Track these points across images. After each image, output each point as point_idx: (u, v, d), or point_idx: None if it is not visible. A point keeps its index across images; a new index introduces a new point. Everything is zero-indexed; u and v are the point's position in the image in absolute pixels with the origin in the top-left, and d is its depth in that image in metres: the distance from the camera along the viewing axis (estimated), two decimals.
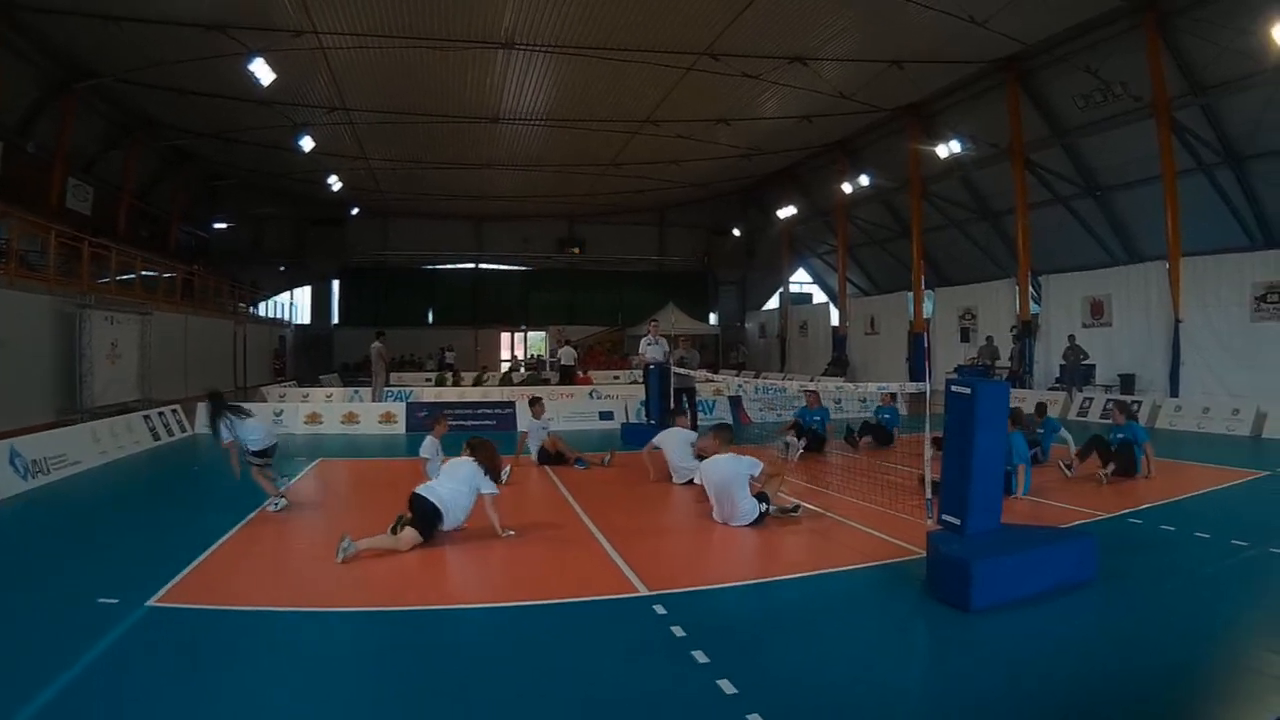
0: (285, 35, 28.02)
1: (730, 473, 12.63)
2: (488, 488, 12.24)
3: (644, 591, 9.56)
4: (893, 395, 22.73)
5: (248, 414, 15.16)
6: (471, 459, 12.40)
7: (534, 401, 20.93)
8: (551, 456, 19.55)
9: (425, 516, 11.77)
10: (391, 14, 27.31)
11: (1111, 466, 15.76)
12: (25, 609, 9.65)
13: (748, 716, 6.33)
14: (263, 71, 28.63)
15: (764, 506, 12.55)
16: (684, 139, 38.39)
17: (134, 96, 35.94)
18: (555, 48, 29.42)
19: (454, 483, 12.16)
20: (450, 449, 16.09)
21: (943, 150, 33.72)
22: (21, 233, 26.39)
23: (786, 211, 48.82)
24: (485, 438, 13.15)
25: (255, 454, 14.97)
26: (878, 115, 36.98)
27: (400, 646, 8.30)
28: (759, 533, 12.25)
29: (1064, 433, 18.34)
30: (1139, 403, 26.27)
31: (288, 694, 7.16)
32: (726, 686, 6.85)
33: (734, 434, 14.02)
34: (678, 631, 8.19)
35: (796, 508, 13.20)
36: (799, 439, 20.47)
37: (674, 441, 16.49)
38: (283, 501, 14.84)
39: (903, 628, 8.75)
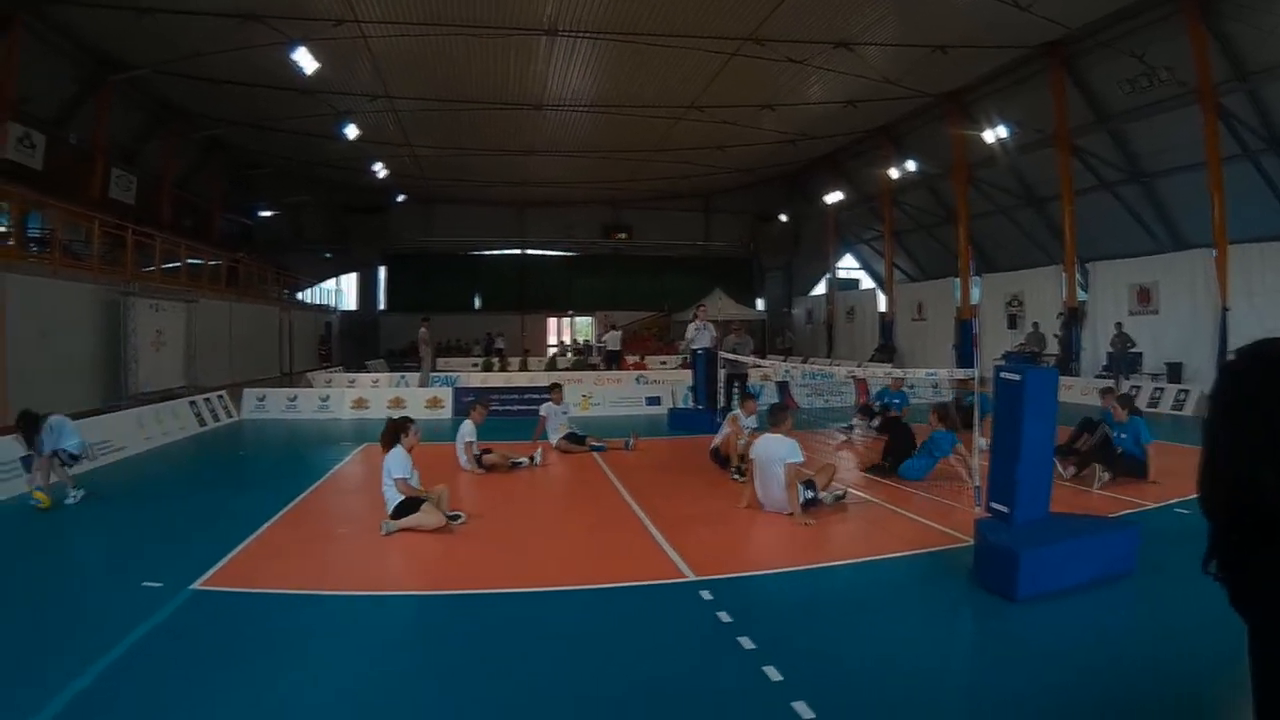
0: (325, 24, 28.08)
1: (771, 453, 12.65)
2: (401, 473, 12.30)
3: (690, 577, 9.58)
4: (900, 380, 22.41)
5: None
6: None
7: (553, 387, 20.94)
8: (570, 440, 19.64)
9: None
10: (432, 1, 27.26)
11: (1107, 475, 14.77)
12: (71, 592, 9.79)
13: (793, 704, 6.33)
14: (305, 60, 28.77)
15: (810, 493, 12.51)
16: (729, 124, 38.20)
17: (170, 87, 36.07)
18: (598, 33, 29.29)
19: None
20: (487, 434, 16.16)
21: (988, 136, 33.47)
22: (65, 223, 26.59)
23: (832, 197, 48.50)
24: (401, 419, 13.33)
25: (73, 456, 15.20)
26: (922, 101, 36.71)
27: (444, 631, 8.37)
28: (805, 520, 12.12)
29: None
30: (1170, 392, 26.37)
31: (329, 677, 7.23)
32: (772, 673, 6.85)
33: (791, 418, 13.87)
34: (724, 617, 8.18)
35: (843, 494, 13.19)
36: (870, 420, 20.44)
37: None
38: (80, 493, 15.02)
39: (948, 616, 8.71)
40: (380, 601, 9.25)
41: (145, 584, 9.65)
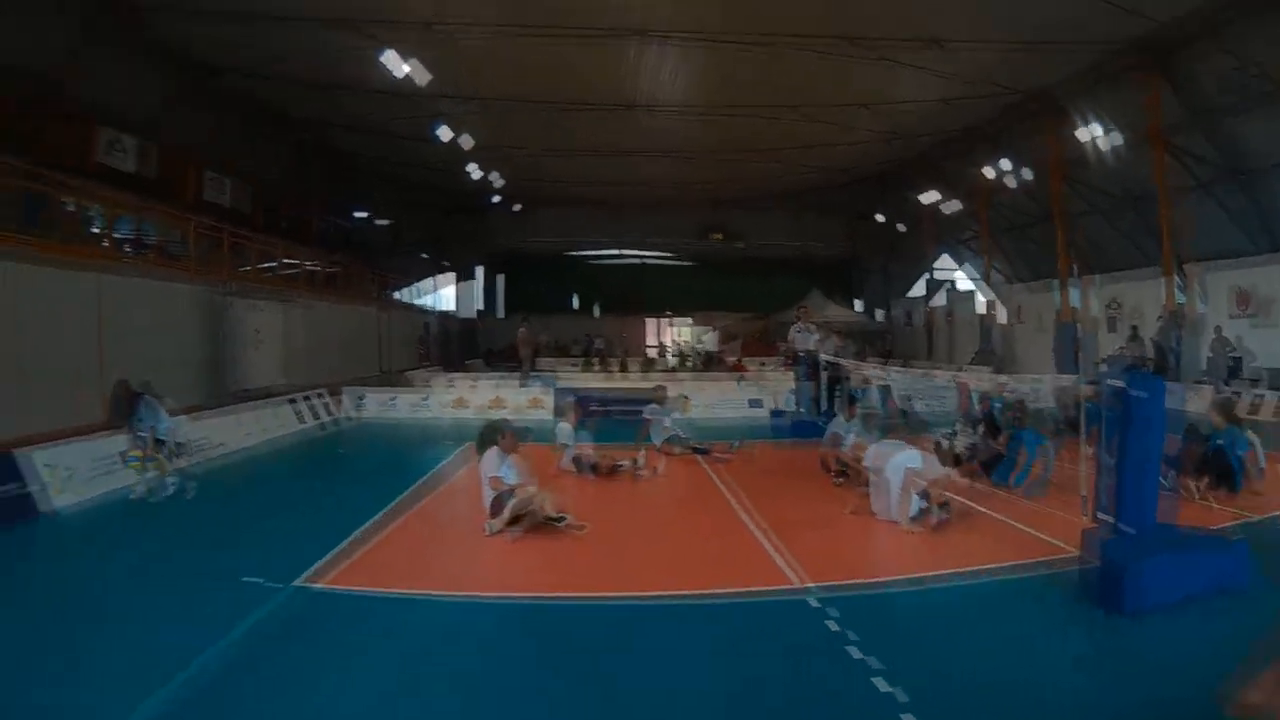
0: (416, 27, 28.16)
1: (890, 459, 12.56)
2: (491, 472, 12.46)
3: (798, 583, 9.59)
4: (1003, 384, 22.01)
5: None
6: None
7: (658, 389, 21.09)
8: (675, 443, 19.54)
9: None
10: (521, 4, 27.31)
11: (1205, 480, 14.42)
12: (172, 586, 10.08)
13: (901, 716, 6.30)
14: (396, 64, 28.86)
15: (922, 503, 12.33)
16: (825, 124, 37.90)
17: (265, 91, 36.45)
18: (689, 34, 29.08)
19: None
20: (589, 437, 16.22)
21: (1082, 134, 32.99)
22: (160, 225, 27.22)
23: (929, 197, 47.77)
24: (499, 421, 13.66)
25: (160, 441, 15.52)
26: (1014, 98, 36.16)
27: (545, 637, 8.44)
28: (916, 528, 12.05)
29: (1250, 435, 16.10)
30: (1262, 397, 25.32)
31: (426, 680, 7.35)
32: (881, 684, 6.85)
33: (906, 423, 13.77)
34: (833, 625, 8.20)
35: (946, 504, 12.89)
36: (975, 427, 20.26)
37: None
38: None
39: (1055, 628, 8.60)
40: (481, 604, 9.34)
41: (246, 579, 9.89)
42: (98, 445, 16.38)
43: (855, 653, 7.45)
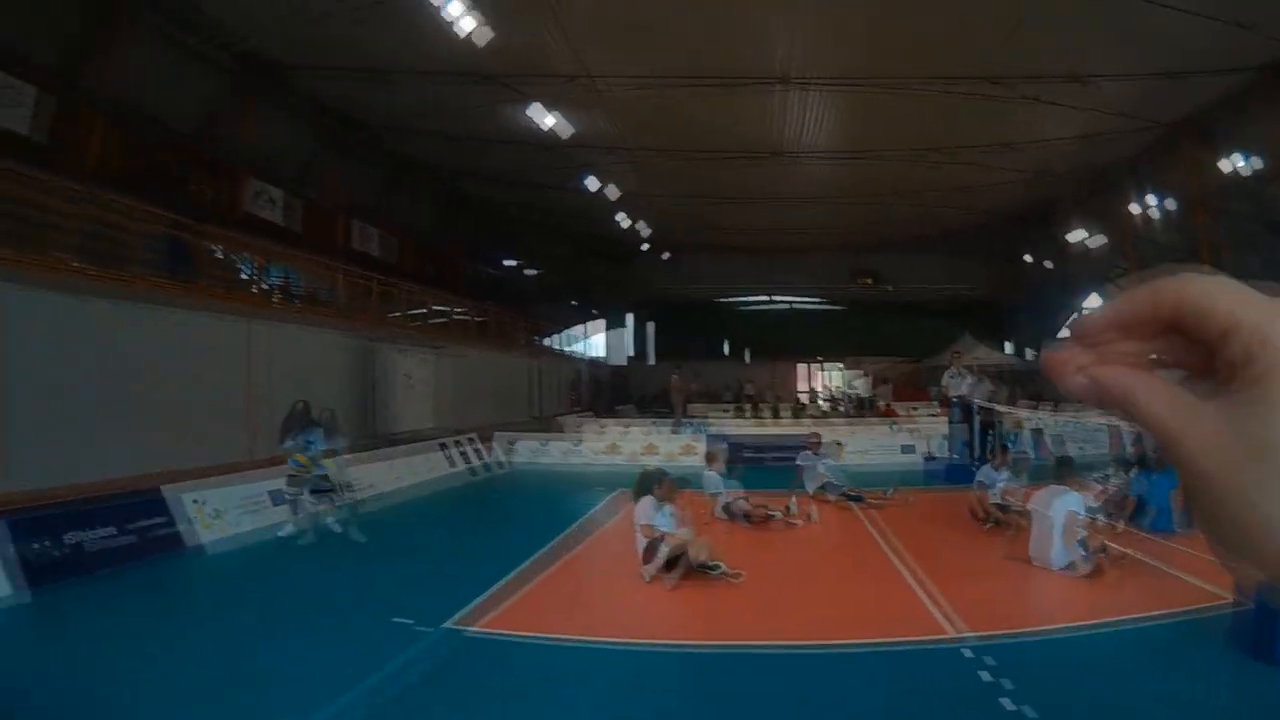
0: (559, 81, 28.50)
1: (1056, 504, 12.19)
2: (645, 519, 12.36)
3: (951, 633, 9.31)
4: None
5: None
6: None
7: (812, 436, 20.78)
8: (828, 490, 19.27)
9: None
10: (663, 55, 27.49)
11: None
12: (322, 626, 10.24)
13: None
14: (541, 116, 29.34)
15: (1081, 550, 11.97)
16: (970, 165, 37.38)
17: (410, 145, 37.30)
18: (831, 80, 29.01)
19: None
20: (742, 483, 15.95)
21: (1225, 165, 31.96)
22: (309, 273, 27.69)
23: (1075, 234, 47.25)
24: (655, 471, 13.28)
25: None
26: (1157, 130, 35.20)
27: (691, 686, 8.39)
28: (1072, 577, 11.70)
29: None
30: None
31: None
32: None
33: (1071, 469, 13.26)
34: (985, 676, 7.92)
35: (1104, 548, 12.49)
36: (1129, 471, 19.50)
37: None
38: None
39: (1208, 681, 8.24)
40: (629, 651, 9.24)
41: (395, 620, 9.98)
42: (246, 484, 16.87)
43: (1008, 704, 7.22)
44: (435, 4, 22.19)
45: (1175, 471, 0.73)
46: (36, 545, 11.77)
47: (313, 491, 15.75)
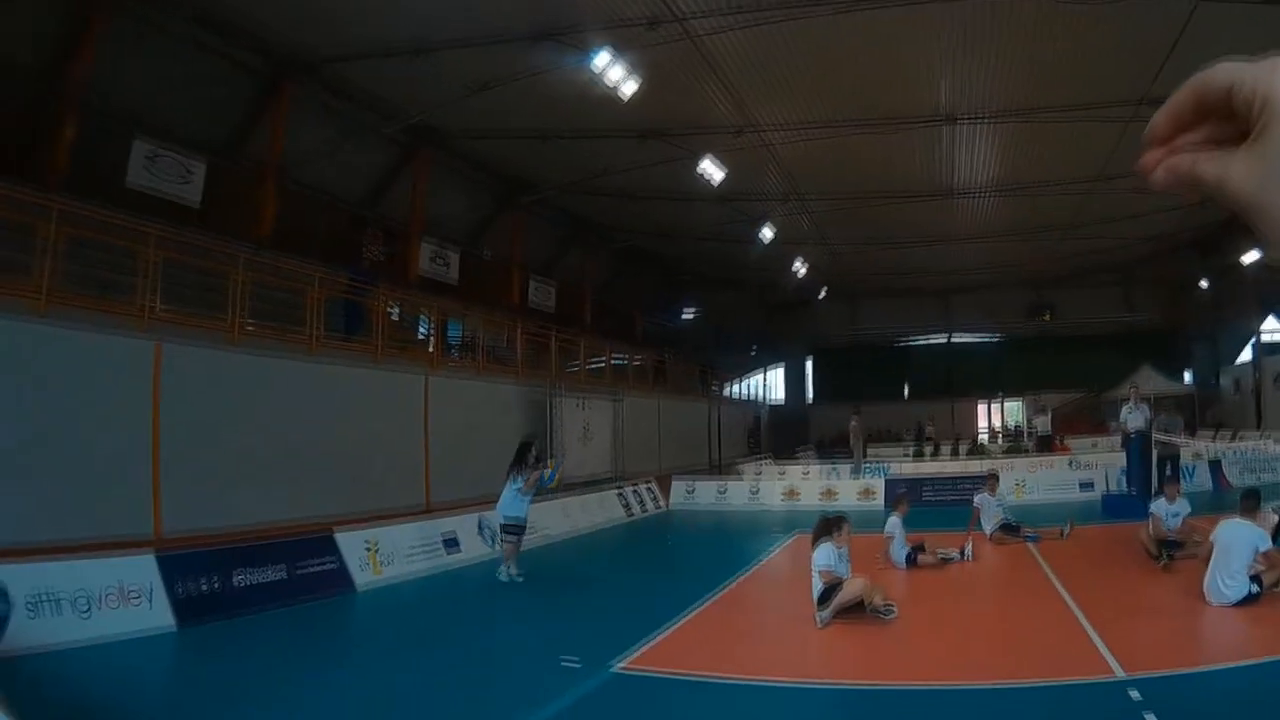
0: (725, 135, 28.77)
1: (1238, 538, 11.67)
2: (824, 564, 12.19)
3: (1119, 675, 8.93)
4: None
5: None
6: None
7: (989, 477, 20.49)
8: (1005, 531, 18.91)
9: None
10: (826, 103, 27.62)
11: None
12: (490, 664, 10.48)
13: None
14: (711, 170, 29.55)
15: (1255, 588, 11.47)
16: (1138, 192, 36.54)
17: (580, 203, 38.11)
18: (994, 116, 28.76)
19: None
20: (921, 523, 15.89)
21: None
22: (485, 328, 28.59)
23: (1249, 257, 45.28)
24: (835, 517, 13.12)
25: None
26: None
27: None
28: (1247, 613, 11.19)
29: None
30: None
31: None
32: None
33: (1257, 501, 12.80)
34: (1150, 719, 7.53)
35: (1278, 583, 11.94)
36: None
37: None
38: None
39: None
40: (801, 692, 9.22)
41: (564, 662, 9.99)
42: (417, 529, 17.31)
43: None
44: (596, 70, 22.55)
45: None
46: (203, 582, 12.24)
47: (504, 529, 16.04)
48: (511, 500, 16.01)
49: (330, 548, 14.90)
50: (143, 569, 11.44)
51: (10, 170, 18.85)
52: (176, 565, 11.94)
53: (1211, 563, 11.80)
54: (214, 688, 9.52)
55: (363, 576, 14.97)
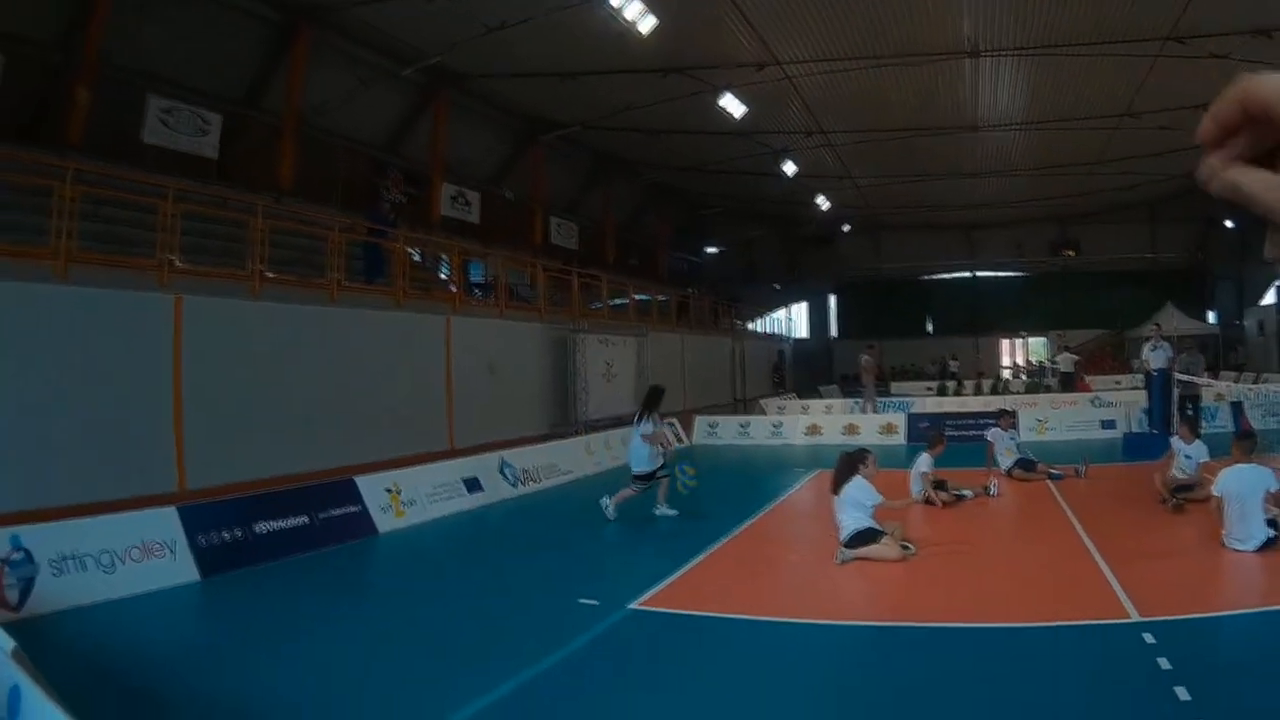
0: (749, 70, 28.79)
1: (1246, 484, 11.56)
2: (873, 499, 12.13)
3: (1134, 617, 8.95)
4: None
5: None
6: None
7: (1001, 414, 20.48)
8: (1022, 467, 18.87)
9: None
10: (849, 38, 27.54)
11: None
12: (509, 603, 10.59)
13: None
14: (733, 105, 29.92)
15: (1272, 531, 11.37)
16: (1165, 129, 36.25)
17: (603, 140, 38.18)
18: (1020, 50, 28.57)
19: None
20: (940, 461, 15.89)
21: None
22: (507, 268, 28.67)
23: None
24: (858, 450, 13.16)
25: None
26: None
27: (874, 664, 8.41)
28: (1264, 559, 11.14)
29: None
30: None
31: (756, 704, 7.31)
32: None
33: (1255, 443, 12.71)
34: (1164, 664, 7.54)
35: None
36: None
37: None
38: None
39: None
40: (815, 630, 9.26)
41: (582, 600, 10.16)
42: (438, 471, 17.29)
43: (1183, 694, 6.85)
44: (615, 6, 22.44)
45: None
46: (226, 532, 12.32)
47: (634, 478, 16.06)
48: (637, 451, 16.03)
49: (352, 493, 14.91)
50: (165, 523, 11.54)
51: (28, 137, 19.15)
52: (198, 517, 12.03)
53: (1226, 513, 11.69)
54: (233, 633, 9.70)
55: (385, 520, 15.01)
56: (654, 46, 26.37)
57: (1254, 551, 11.19)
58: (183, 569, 11.36)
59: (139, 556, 10.89)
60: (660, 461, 15.89)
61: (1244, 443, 12.53)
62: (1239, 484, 11.60)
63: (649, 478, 15.74)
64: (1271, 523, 11.36)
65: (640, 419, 15.98)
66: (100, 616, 9.91)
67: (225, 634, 9.81)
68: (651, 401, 16.26)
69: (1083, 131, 37.06)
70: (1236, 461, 12.04)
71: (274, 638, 9.33)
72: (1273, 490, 11.31)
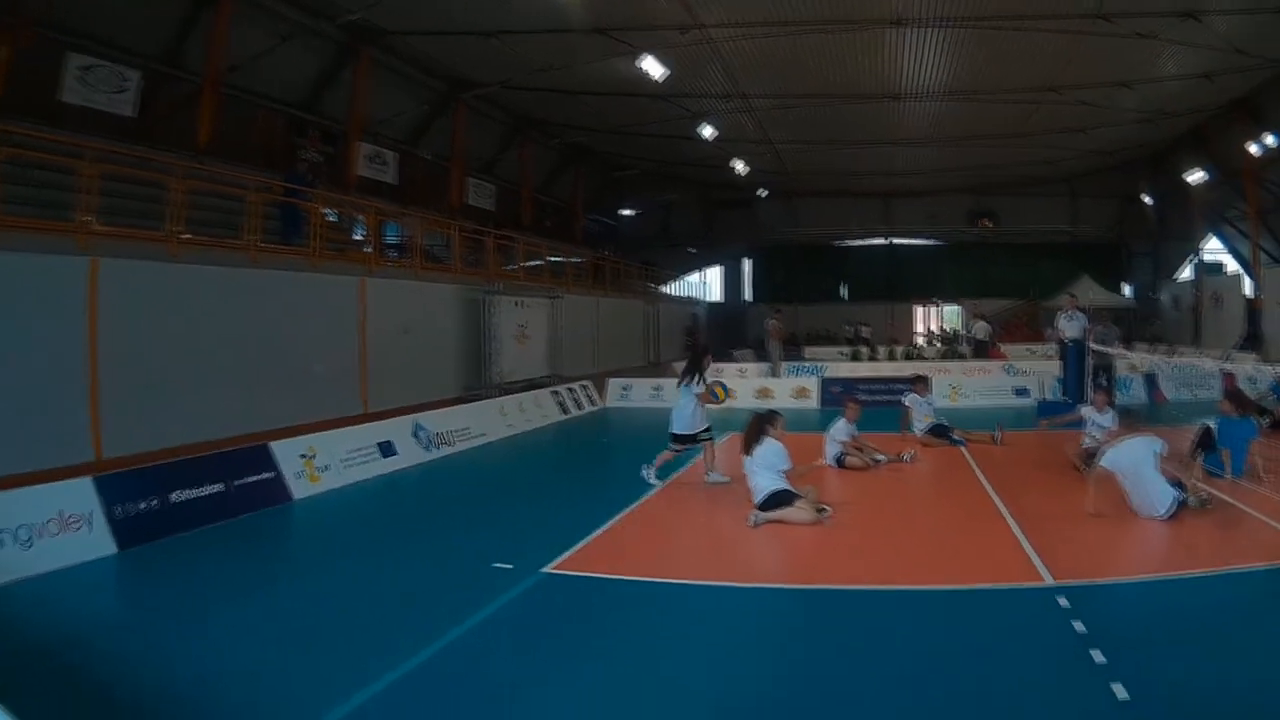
0: (671, 32, 28.74)
1: (1135, 456, 11.85)
2: (785, 464, 12.27)
3: (1049, 581, 9.21)
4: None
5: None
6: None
7: (917, 379, 20.53)
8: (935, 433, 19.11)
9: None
10: (773, 2, 27.50)
11: None
12: (421, 570, 10.61)
13: None
14: (653, 68, 29.88)
15: (1180, 496, 11.63)
16: (1087, 105, 36.71)
17: (522, 101, 38.21)
18: (944, 21, 28.65)
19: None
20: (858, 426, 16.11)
21: None
22: (424, 229, 28.87)
23: (1195, 176, 45.99)
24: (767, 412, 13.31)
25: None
26: (1274, 68, 34.11)
27: (784, 627, 8.55)
28: (1174, 525, 11.39)
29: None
30: None
31: (667, 666, 7.43)
32: (1120, 691, 6.45)
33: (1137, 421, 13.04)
34: (1079, 627, 7.76)
35: (1208, 499, 12.23)
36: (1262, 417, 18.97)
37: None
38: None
39: None
40: (729, 593, 9.41)
41: (495, 565, 10.20)
42: (352, 436, 17.04)
43: (1099, 657, 7.04)
44: None
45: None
46: (142, 502, 12.07)
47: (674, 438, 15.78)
48: (681, 412, 15.56)
49: (267, 459, 14.70)
50: (81, 493, 11.30)
51: None
52: (114, 487, 11.80)
53: (1128, 489, 11.93)
54: (155, 607, 9.57)
55: (300, 486, 14.86)
56: (578, 6, 26.36)
57: (1165, 519, 11.42)
58: (100, 542, 11.16)
59: (55, 530, 10.67)
60: (706, 424, 15.57)
61: (1131, 419, 12.90)
62: (1128, 456, 11.92)
63: (691, 439, 15.48)
64: (1177, 483, 11.68)
65: (687, 380, 15.62)
66: (21, 594, 9.73)
67: (146, 608, 9.70)
68: (696, 362, 15.89)
69: (1005, 105, 37.47)
70: (1128, 437, 12.30)
71: (193, 612, 9.16)
72: (1161, 453, 11.66)
